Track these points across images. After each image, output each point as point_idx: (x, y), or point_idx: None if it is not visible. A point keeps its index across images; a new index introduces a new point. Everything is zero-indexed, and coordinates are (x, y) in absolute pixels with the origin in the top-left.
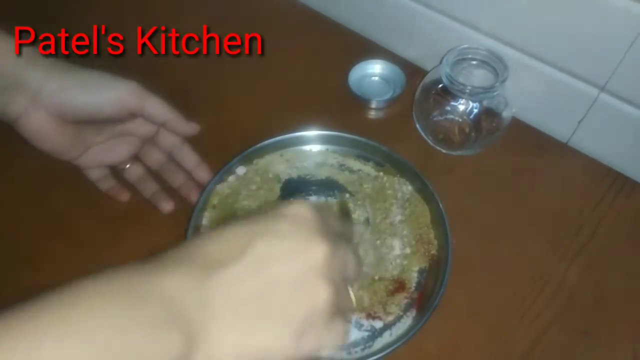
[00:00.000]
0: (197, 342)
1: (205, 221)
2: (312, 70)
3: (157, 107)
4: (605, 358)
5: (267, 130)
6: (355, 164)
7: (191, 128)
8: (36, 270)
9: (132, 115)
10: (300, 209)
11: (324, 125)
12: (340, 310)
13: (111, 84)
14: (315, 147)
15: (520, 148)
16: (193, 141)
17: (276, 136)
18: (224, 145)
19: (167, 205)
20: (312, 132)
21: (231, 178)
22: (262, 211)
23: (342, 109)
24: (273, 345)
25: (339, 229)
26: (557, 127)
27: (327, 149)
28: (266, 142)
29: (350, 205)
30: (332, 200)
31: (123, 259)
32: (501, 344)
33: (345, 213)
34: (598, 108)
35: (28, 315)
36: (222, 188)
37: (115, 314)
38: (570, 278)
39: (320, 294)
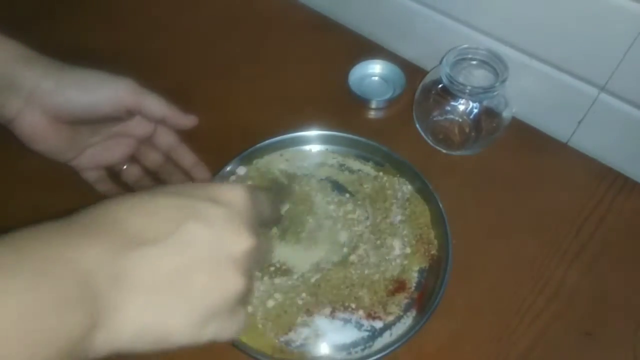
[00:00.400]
0: (102, 319)
1: None
2: (312, 70)
3: (154, 103)
4: (605, 358)
5: (267, 130)
6: (355, 164)
7: (190, 120)
8: None
9: (130, 114)
10: (235, 196)
11: (324, 125)
12: (244, 301)
13: (107, 82)
14: (315, 147)
15: (520, 148)
16: (193, 141)
17: (276, 136)
18: (224, 146)
19: None
20: (312, 132)
21: (231, 178)
22: (195, 187)
23: (342, 109)
24: (176, 330)
25: (268, 214)
26: (557, 127)
27: (327, 149)
28: (266, 142)
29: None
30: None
31: None
32: (501, 344)
33: (278, 190)
34: (598, 108)
35: None
36: None
37: (24, 287)
38: (570, 278)
39: (233, 286)
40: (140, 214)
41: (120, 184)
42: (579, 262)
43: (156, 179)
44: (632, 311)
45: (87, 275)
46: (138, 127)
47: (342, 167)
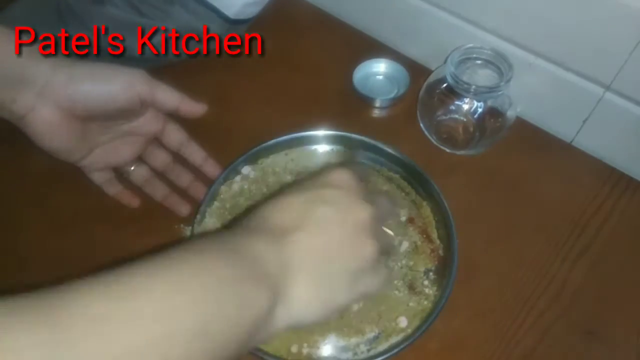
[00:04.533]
0: (280, 295)
1: (209, 218)
2: (317, 69)
3: (167, 92)
4: (609, 358)
5: (272, 129)
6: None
7: (201, 108)
8: (31, 270)
9: (143, 105)
10: (342, 177)
11: (328, 124)
12: (382, 257)
13: (121, 73)
14: (321, 147)
15: (524, 148)
16: (197, 141)
17: (281, 136)
18: (228, 145)
19: (184, 209)
20: (318, 132)
21: (237, 178)
22: (308, 179)
23: (346, 108)
24: (335, 296)
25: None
26: (562, 127)
27: (332, 149)
28: (271, 141)
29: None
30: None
31: (123, 258)
32: (504, 343)
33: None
34: (603, 107)
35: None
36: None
37: (221, 268)
38: (573, 278)
39: (368, 250)
40: (278, 212)
41: (129, 186)
42: (583, 261)
43: (164, 179)
44: (635, 311)
45: (261, 261)
46: (147, 124)
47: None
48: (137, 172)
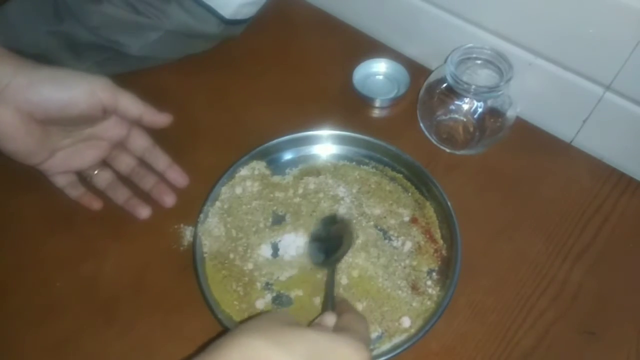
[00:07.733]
0: None
1: (212, 218)
2: (317, 69)
3: (130, 101)
4: (609, 358)
5: (272, 129)
6: (363, 163)
7: (165, 118)
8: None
9: (105, 113)
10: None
11: (328, 124)
12: None
13: (83, 79)
14: (324, 146)
15: (524, 148)
16: (198, 142)
17: (282, 135)
18: (229, 146)
19: (143, 211)
20: (320, 132)
21: (237, 178)
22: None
23: (346, 108)
24: None
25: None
26: (562, 127)
27: (335, 148)
28: (272, 142)
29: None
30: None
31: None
32: (504, 342)
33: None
34: (603, 107)
35: None
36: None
37: None
38: (573, 278)
39: None
40: None
41: (93, 190)
42: (583, 261)
43: (127, 183)
44: (635, 311)
45: None
46: (112, 129)
47: (350, 166)
48: (100, 176)
